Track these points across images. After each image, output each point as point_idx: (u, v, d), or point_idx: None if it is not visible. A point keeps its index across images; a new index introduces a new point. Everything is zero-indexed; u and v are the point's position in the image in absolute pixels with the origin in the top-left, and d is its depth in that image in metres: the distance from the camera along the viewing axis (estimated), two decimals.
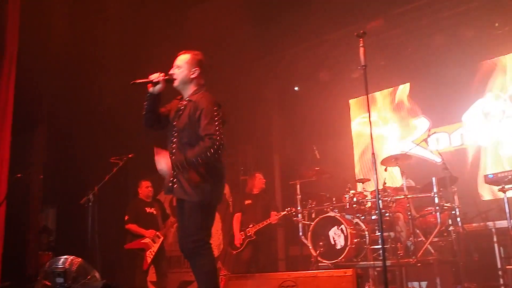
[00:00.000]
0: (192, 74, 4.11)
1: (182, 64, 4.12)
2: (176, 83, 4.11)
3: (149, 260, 7.35)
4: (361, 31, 4.35)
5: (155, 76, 4.00)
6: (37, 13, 7.55)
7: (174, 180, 3.99)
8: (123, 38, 8.65)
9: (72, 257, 4.96)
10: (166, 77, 4.03)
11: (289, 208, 7.56)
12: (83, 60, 8.31)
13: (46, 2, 7.88)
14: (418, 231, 6.72)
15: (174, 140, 4.05)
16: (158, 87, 4.00)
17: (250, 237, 7.78)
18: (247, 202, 8.07)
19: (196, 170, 3.90)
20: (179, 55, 4.20)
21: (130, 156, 6.25)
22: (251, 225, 7.79)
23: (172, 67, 4.16)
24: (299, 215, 7.54)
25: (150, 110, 4.11)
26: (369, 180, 7.64)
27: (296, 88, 10.19)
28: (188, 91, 4.14)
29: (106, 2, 8.37)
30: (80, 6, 8.08)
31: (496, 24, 8.01)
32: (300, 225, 7.52)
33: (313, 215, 7.50)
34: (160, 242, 7.45)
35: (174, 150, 4.03)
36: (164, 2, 8.02)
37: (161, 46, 7.71)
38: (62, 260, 4.94)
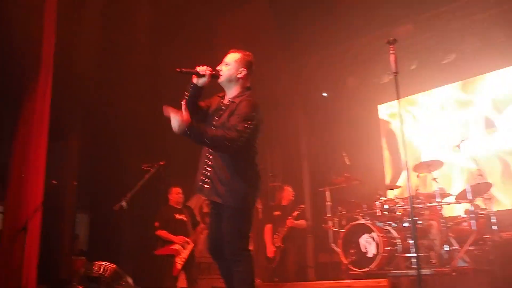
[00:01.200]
0: (239, 73, 4.06)
1: (231, 62, 4.08)
2: (221, 79, 4.06)
3: (178, 266, 7.37)
4: (392, 38, 4.29)
5: (202, 69, 3.95)
6: (72, 24, 7.70)
7: (207, 180, 3.97)
8: (153, 46, 8.76)
9: (106, 263, 5.05)
10: (212, 72, 3.99)
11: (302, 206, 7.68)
12: (114, 70, 8.44)
13: (80, 13, 8.04)
14: (452, 239, 6.60)
15: None
16: (203, 80, 3.95)
17: (279, 247, 7.81)
18: (276, 213, 8.10)
19: (232, 174, 3.87)
20: (230, 52, 4.16)
21: (161, 163, 6.29)
22: (275, 236, 7.85)
23: (221, 63, 4.12)
24: (329, 222, 7.50)
25: (190, 101, 4.02)
26: (400, 187, 7.56)
27: (324, 94, 10.16)
28: (232, 91, 4.09)
29: (138, 12, 8.51)
30: (112, 16, 8.23)
31: None
32: (330, 232, 7.48)
33: (343, 222, 7.45)
34: (189, 249, 7.47)
35: (211, 150, 3.97)
36: (193, 11, 8.10)
37: (190, 54, 7.79)
38: (96, 266, 5.04)
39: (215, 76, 4.02)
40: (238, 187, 3.89)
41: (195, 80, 3.97)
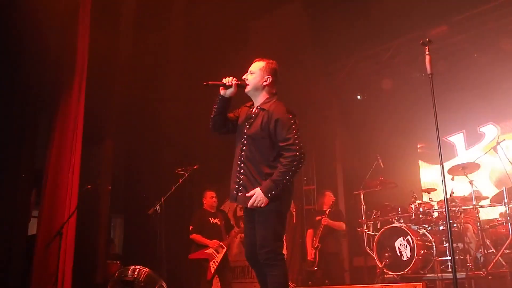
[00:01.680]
0: (265, 81, 4.11)
1: (256, 71, 4.14)
2: (248, 89, 4.13)
3: (212, 270, 7.41)
4: (427, 39, 4.24)
5: (228, 80, 4.04)
6: (106, 30, 7.80)
7: (240, 188, 4.01)
8: (186, 51, 8.83)
9: (140, 267, 5.09)
10: (238, 82, 4.07)
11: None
12: (148, 74, 8.53)
13: (113, 18, 8.15)
14: (488, 242, 6.51)
15: (244, 148, 4.05)
16: (230, 91, 4.04)
17: (317, 247, 7.88)
18: (317, 218, 8.18)
19: (266, 179, 3.89)
20: (254, 61, 4.22)
21: (195, 167, 6.34)
22: (314, 237, 7.96)
23: (246, 72, 4.18)
24: (364, 226, 7.46)
25: (219, 112, 4.13)
26: (435, 189, 7.46)
27: (358, 97, 10.11)
28: (259, 99, 4.15)
29: (170, 17, 8.59)
30: (145, 22, 8.33)
31: None
32: (364, 235, 7.43)
33: (378, 226, 7.40)
34: (223, 253, 7.50)
35: (243, 158, 4.03)
36: (227, 15, 8.14)
37: (224, 59, 7.84)
38: (130, 269, 5.08)
39: (241, 85, 4.10)
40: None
41: (222, 92, 4.06)
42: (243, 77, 4.15)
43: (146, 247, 6.69)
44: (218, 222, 7.71)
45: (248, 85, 4.11)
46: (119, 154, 8.83)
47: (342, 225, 7.94)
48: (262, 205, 3.85)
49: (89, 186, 6.76)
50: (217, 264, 7.42)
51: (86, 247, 7.73)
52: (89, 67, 7.46)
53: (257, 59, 4.23)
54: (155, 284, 5.00)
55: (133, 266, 5.13)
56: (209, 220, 7.67)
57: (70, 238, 6.99)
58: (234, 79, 4.06)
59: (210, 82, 4.03)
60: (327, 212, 8.01)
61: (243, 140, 4.07)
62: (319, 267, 7.89)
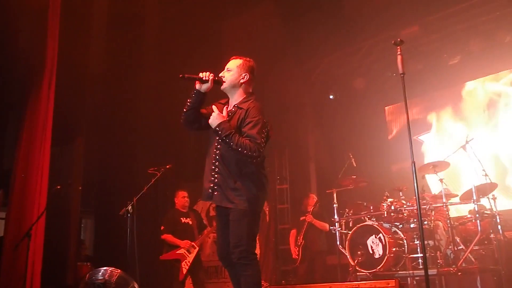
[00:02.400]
0: (242, 79, 4.09)
1: (233, 68, 4.12)
2: (224, 86, 4.09)
3: (184, 271, 7.35)
4: (399, 39, 4.28)
5: (205, 74, 3.99)
6: (76, 28, 7.70)
7: (215, 187, 3.97)
8: (159, 50, 8.77)
9: (111, 268, 5.00)
10: (215, 77, 4.03)
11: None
12: (120, 73, 8.44)
13: (84, 16, 8.04)
14: (458, 239, 6.61)
15: (219, 146, 4.00)
16: (206, 86, 3.99)
17: (301, 244, 8.02)
18: (302, 218, 8.26)
19: (241, 178, 3.89)
20: (231, 59, 4.20)
21: (168, 166, 6.26)
22: (299, 236, 8.09)
23: (221, 71, 4.15)
24: (336, 224, 7.49)
25: (193, 107, 4.07)
26: (406, 188, 7.54)
27: (331, 97, 10.17)
28: (236, 97, 4.13)
29: (144, 16, 8.51)
30: (118, 20, 8.23)
31: None
32: (337, 234, 7.47)
33: (351, 224, 7.45)
34: (195, 253, 7.46)
35: (218, 157, 3.99)
36: (200, 15, 8.11)
37: (198, 58, 7.79)
38: (102, 271, 4.98)
39: (218, 82, 4.06)
40: (248, 191, 3.90)
41: (198, 86, 4.01)
42: (220, 74, 4.11)
43: (117, 248, 6.58)
44: (190, 222, 7.66)
45: (225, 82, 4.08)
46: (90, 153, 8.72)
47: (326, 226, 7.97)
48: (211, 122, 3.88)
49: (59, 187, 6.64)
50: (189, 264, 7.37)
51: (55, 249, 7.62)
52: (59, 65, 7.34)
53: (234, 57, 4.20)
54: (127, 286, 4.92)
55: (104, 268, 5.03)
56: (181, 220, 7.62)
57: (39, 239, 6.88)
58: (211, 74, 4.01)
59: (186, 75, 3.97)
60: (310, 211, 8.10)
61: (218, 138, 4.00)
62: (302, 263, 7.99)
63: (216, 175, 3.97)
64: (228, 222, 3.95)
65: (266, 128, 3.96)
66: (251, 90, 4.17)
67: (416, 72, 8.75)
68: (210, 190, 4.00)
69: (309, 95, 10.29)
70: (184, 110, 4.11)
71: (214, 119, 3.88)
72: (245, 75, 4.10)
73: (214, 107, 3.96)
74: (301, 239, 8.06)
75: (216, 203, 4.02)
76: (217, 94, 4.22)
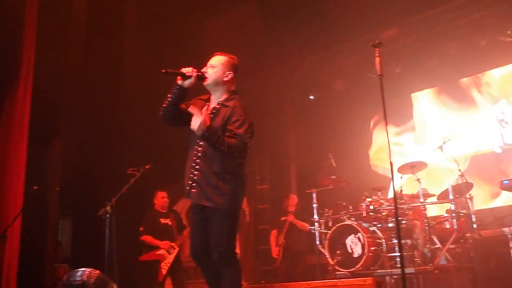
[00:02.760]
0: (225, 77, 4.03)
1: (217, 65, 4.05)
2: (207, 82, 4.02)
3: (164, 271, 7.32)
4: (377, 41, 4.31)
5: (187, 70, 3.91)
6: (54, 26, 7.60)
7: (194, 185, 3.93)
8: (139, 49, 8.70)
9: (90, 269, 4.96)
10: (199, 73, 3.96)
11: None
12: (99, 72, 8.34)
13: (62, 15, 7.94)
14: (434, 238, 6.70)
15: (202, 143, 3.94)
16: (188, 81, 3.90)
17: (282, 244, 8.09)
18: (283, 218, 8.32)
19: (222, 177, 3.87)
20: (215, 55, 4.13)
21: (147, 167, 6.23)
22: (280, 236, 8.15)
23: (206, 65, 4.08)
24: (316, 224, 7.54)
25: (174, 103, 3.97)
26: (385, 188, 7.63)
27: (311, 97, 10.23)
28: (218, 94, 4.07)
29: (123, 15, 8.44)
30: (97, 19, 8.14)
31: (508, 32, 8.01)
32: (317, 233, 7.52)
33: (330, 224, 7.50)
34: (175, 253, 7.43)
35: (200, 154, 3.95)
36: (182, 14, 8.07)
37: (178, 58, 7.75)
38: (80, 272, 4.94)
39: (201, 78, 3.98)
40: (228, 189, 3.88)
41: (180, 81, 3.93)
42: (203, 70, 4.04)
43: (96, 249, 6.53)
44: (170, 223, 7.63)
45: (208, 78, 4.01)
46: (68, 153, 8.61)
47: (306, 226, 8.02)
48: (194, 127, 3.74)
49: (36, 187, 6.55)
50: (168, 265, 7.34)
51: (32, 250, 7.51)
52: (36, 63, 7.24)
53: (218, 53, 4.13)
54: (105, 287, 4.89)
55: (82, 269, 4.99)
56: (160, 220, 7.59)
57: (15, 241, 6.77)
58: (195, 70, 3.94)
59: (169, 70, 3.90)
60: (292, 211, 8.17)
61: (206, 143, 3.90)
62: (282, 263, 8.05)
63: (196, 172, 3.93)
64: (204, 221, 3.93)
65: (252, 128, 3.95)
66: (234, 88, 4.13)
67: (395, 74, 8.85)
68: (188, 187, 3.97)
69: (289, 95, 10.35)
70: (164, 105, 4.00)
71: (199, 124, 3.72)
72: (228, 73, 4.04)
73: (194, 110, 3.81)
74: (282, 239, 8.11)
75: (194, 201, 3.99)
76: (198, 90, 4.16)
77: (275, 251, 8.22)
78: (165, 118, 4.06)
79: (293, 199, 8.47)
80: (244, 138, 3.82)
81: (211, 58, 4.12)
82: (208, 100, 4.12)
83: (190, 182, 3.95)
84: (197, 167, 3.94)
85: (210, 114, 3.98)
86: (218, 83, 4.04)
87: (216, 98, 4.09)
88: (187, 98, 4.09)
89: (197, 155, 3.96)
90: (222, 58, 4.08)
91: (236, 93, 4.11)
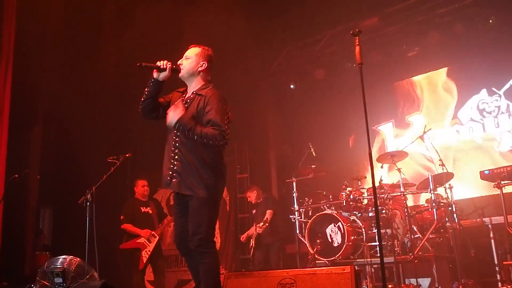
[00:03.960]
0: (200, 67, 4.10)
1: (191, 56, 4.12)
2: (182, 73, 4.09)
3: (144, 259, 7.32)
4: (357, 30, 4.33)
5: (162, 63, 4.00)
6: (34, 11, 7.51)
7: (174, 175, 3.97)
8: (118, 38, 8.64)
9: (70, 257, 4.94)
10: (173, 66, 4.03)
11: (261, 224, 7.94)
12: (79, 59, 8.28)
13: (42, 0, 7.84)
14: (415, 227, 6.75)
15: (179, 133, 3.98)
16: (164, 74, 4.00)
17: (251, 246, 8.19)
18: (254, 211, 8.53)
19: (201, 166, 3.90)
20: (190, 47, 4.20)
21: (127, 155, 6.22)
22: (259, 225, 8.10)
23: (181, 58, 4.15)
24: (296, 213, 7.57)
25: (151, 96, 4.08)
26: (365, 177, 7.66)
27: (292, 86, 10.22)
28: (194, 84, 4.13)
29: (102, 2, 8.35)
30: (76, 6, 8.04)
31: (490, 21, 8.04)
32: (296, 222, 7.55)
33: (310, 213, 7.53)
34: (155, 242, 7.43)
35: (177, 144, 3.98)
36: (160, 2, 8.01)
37: (157, 47, 7.70)
38: (60, 260, 4.92)
39: (175, 70, 4.06)
40: (207, 178, 3.91)
41: (155, 74, 4.02)
42: (178, 62, 4.12)
43: (77, 237, 6.52)
44: (150, 211, 7.63)
45: (182, 69, 4.08)
46: (48, 142, 8.57)
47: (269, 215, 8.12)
48: (170, 115, 3.88)
49: (16, 176, 6.52)
50: (149, 253, 7.35)
51: (12, 239, 7.48)
52: (15, 50, 7.17)
53: (192, 45, 4.21)
54: (86, 274, 4.87)
55: (63, 256, 4.98)
56: (141, 209, 7.58)
57: None
58: (169, 62, 4.02)
59: (144, 63, 3.97)
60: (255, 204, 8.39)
61: (180, 133, 3.98)
62: (254, 256, 8.10)
63: (175, 162, 3.97)
64: (186, 210, 3.96)
65: (228, 115, 3.98)
66: (209, 78, 4.18)
67: (376, 63, 8.87)
68: (168, 178, 3.99)
69: (269, 84, 10.34)
70: (142, 99, 4.12)
71: (172, 117, 3.89)
72: (203, 63, 4.12)
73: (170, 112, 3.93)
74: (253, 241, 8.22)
75: (175, 190, 4.02)
76: (176, 83, 4.21)
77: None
78: (144, 112, 4.17)
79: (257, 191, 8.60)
80: (221, 126, 3.84)
81: (185, 51, 4.19)
82: (184, 92, 4.19)
83: (170, 172, 3.98)
84: (176, 157, 3.98)
85: (185, 103, 4.04)
86: (193, 73, 4.12)
87: (191, 88, 4.15)
88: (165, 92, 4.18)
89: (175, 145, 4.00)
90: (196, 49, 4.16)
91: (211, 82, 4.16)
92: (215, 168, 3.99)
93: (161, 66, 3.98)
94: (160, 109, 4.16)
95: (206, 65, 4.13)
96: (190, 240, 3.87)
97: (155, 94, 4.08)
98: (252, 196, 8.56)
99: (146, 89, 4.09)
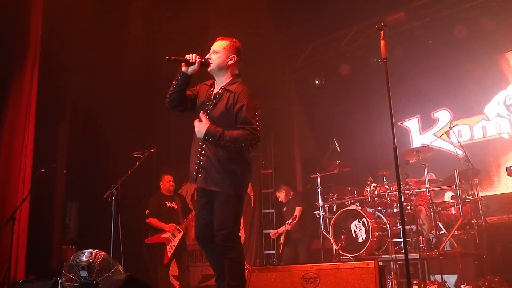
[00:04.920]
0: (230, 60, 4.04)
1: (220, 50, 4.05)
2: (211, 68, 4.04)
3: (169, 254, 7.37)
4: (382, 24, 4.29)
5: (191, 56, 3.96)
6: (61, 5, 7.58)
7: (200, 170, 3.96)
8: (144, 32, 8.68)
9: (96, 250, 5.02)
10: (202, 60, 3.98)
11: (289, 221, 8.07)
12: (106, 55, 8.34)
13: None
14: (440, 224, 6.68)
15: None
16: (192, 68, 3.96)
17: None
18: (284, 208, 8.61)
19: (227, 161, 3.90)
20: (217, 40, 4.13)
21: (152, 150, 6.27)
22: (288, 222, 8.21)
23: (208, 52, 4.09)
24: (320, 209, 7.56)
25: (179, 90, 4.04)
26: (390, 173, 7.61)
27: (316, 82, 10.19)
28: (223, 79, 4.08)
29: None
30: (102, 3, 8.10)
31: None
32: (321, 218, 7.53)
33: (335, 209, 7.51)
34: (180, 236, 7.47)
35: (204, 139, 3.94)
36: None
37: (183, 41, 7.73)
38: (86, 253, 5.00)
39: (205, 64, 4.01)
40: (233, 174, 3.91)
41: (184, 68, 3.98)
42: (206, 56, 4.06)
43: (102, 231, 6.59)
44: (175, 206, 7.67)
45: (212, 64, 4.03)
46: (74, 137, 8.65)
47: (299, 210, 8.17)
48: (196, 129, 3.90)
49: (43, 170, 6.61)
50: (174, 248, 7.39)
51: (40, 232, 7.59)
52: (42, 46, 7.26)
53: (219, 38, 4.14)
54: (111, 268, 4.94)
55: (88, 250, 5.05)
56: (166, 204, 7.63)
57: (23, 223, 6.85)
58: (198, 56, 3.97)
59: (173, 57, 3.94)
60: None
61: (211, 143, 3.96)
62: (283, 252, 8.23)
63: (202, 158, 3.96)
64: (210, 204, 3.97)
65: (258, 111, 3.96)
66: (237, 72, 4.13)
67: (402, 58, 8.79)
68: (195, 173, 3.99)
69: (294, 79, 10.31)
70: (170, 92, 4.08)
71: (199, 131, 3.88)
72: (232, 57, 4.05)
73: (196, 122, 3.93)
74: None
75: (201, 185, 4.01)
76: (203, 76, 4.18)
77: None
78: (171, 105, 4.13)
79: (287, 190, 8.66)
80: (253, 124, 3.84)
81: (213, 43, 4.12)
82: (212, 85, 4.14)
83: (196, 167, 3.98)
84: (202, 152, 3.97)
85: (213, 99, 4.01)
86: (222, 67, 4.05)
87: (220, 83, 4.10)
88: (192, 84, 4.13)
89: (202, 140, 3.97)
90: (224, 43, 4.08)
91: (239, 76, 4.12)
92: (241, 163, 3.98)
93: (190, 60, 3.94)
94: (188, 102, 4.13)
95: (235, 59, 4.06)
96: (216, 235, 3.88)
97: (183, 87, 4.05)
98: (281, 195, 8.62)
99: (174, 82, 4.06)
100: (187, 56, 3.97)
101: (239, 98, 3.89)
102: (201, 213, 4.08)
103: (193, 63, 3.95)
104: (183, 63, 3.97)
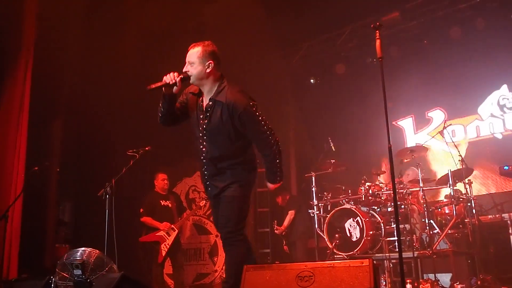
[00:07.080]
0: (207, 68, 3.84)
1: (194, 60, 3.84)
2: (192, 80, 3.88)
3: (163, 253, 7.38)
4: (377, 23, 4.30)
5: (169, 78, 3.80)
6: (55, 3, 7.55)
7: (208, 183, 4.07)
8: (139, 31, 8.64)
9: (90, 249, 4.99)
10: (181, 76, 3.83)
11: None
12: (100, 52, 8.30)
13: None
14: (433, 223, 6.72)
15: (205, 144, 3.96)
16: (175, 88, 3.85)
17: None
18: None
19: (232, 162, 3.95)
20: (189, 50, 3.91)
21: (147, 148, 6.25)
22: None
23: (185, 63, 3.92)
24: (315, 208, 7.57)
25: (167, 112, 3.96)
26: (384, 172, 7.63)
27: (312, 81, 10.20)
28: (207, 88, 3.92)
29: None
30: (97, 1, 8.08)
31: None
32: (315, 217, 7.55)
33: (329, 208, 7.53)
34: (175, 235, 7.48)
35: (205, 155, 3.97)
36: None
37: (178, 39, 7.69)
38: (80, 252, 4.97)
39: (185, 78, 3.86)
40: (240, 175, 3.98)
41: (166, 90, 3.86)
42: (184, 69, 3.89)
43: (96, 230, 6.57)
44: (170, 205, 7.67)
45: (191, 76, 3.86)
46: (68, 134, 8.59)
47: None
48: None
49: (36, 168, 6.58)
50: (168, 246, 7.40)
51: (33, 230, 7.54)
52: (36, 45, 7.22)
53: (191, 46, 3.94)
54: (105, 266, 4.92)
55: (82, 248, 5.03)
56: (160, 202, 7.63)
57: (16, 221, 6.82)
58: (176, 74, 3.83)
59: (152, 86, 3.83)
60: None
61: (201, 134, 3.95)
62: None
63: (206, 172, 4.04)
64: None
65: (258, 111, 3.91)
66: (220, 73, 3.96)
67: (397, 58, 8.81)
68: (209, 188, 4.09)
69: (289, 79, 10.32)
70: (160, 115, 4.02)
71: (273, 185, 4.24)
72: (209, 64, 3.85)
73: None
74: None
75: (213, 192, 4.07)
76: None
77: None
78: (166, 124, 4.12)
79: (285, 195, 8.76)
80: (264, 128, 3.95)
81: (186, 53, 3.95)
82: (200, 94, 4.02)
83: (208, 183, 4.08)
84: (207, 167, 4.03)
85: (205, 112, 3.92)
86: (202, 77, 3.88)
87: (207, 92, 3.96)
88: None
89: (205, 156, 4.00)
90: (197, 51, 3.87)
91: (223, 78, 3.96)
92: (248, 163, 4.03)
93: (170, 82, 3.80)
94: (180, 116, 4.06)
95: (213, 64, 3.86)
96: (220, 232, 3.98)
97: (171, 107, 3.96)
98: (279, 201, 8.78)
99: (160, 105, 3.96)
100: (165, 78, 3.83)
101: (234, 108, 3.79)
102: (216, 211, 4.15)
103: (174, 84, 3.82)
104: (163, 87, 3.85)
